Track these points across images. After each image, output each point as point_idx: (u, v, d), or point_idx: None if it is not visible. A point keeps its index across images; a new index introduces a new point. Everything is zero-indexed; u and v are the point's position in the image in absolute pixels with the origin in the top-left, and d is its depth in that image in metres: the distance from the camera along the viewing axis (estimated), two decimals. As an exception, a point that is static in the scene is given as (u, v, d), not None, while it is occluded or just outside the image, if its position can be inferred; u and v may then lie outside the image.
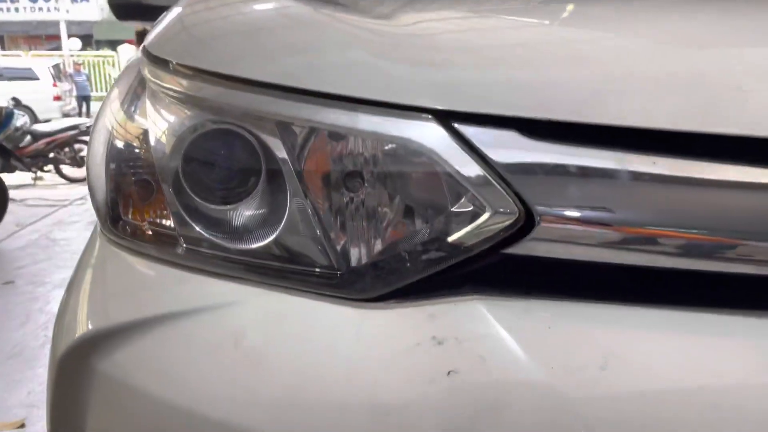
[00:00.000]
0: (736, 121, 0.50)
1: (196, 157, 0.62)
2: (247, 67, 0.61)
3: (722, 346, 0.48)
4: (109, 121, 0.71)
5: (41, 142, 6.14)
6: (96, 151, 0.70)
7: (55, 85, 13.59)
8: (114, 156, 0.68)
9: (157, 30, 0.74)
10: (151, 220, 0.65)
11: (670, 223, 0.50)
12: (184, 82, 0.64)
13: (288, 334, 0.53)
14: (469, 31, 0.64)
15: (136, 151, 0.67)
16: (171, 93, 0.65)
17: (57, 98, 13.45)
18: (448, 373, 0.48)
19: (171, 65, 0.66)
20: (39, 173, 6.46)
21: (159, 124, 0.65)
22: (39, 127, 6.47)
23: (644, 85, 0.52)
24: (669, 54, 0.56)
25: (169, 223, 0.63)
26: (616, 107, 0.51)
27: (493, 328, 0.49)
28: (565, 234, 0.50)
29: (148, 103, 0.67)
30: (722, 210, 0.50)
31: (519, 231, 0.51)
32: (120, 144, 0.68)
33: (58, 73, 14.44)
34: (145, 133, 0.66)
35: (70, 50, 19.37)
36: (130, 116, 0.70)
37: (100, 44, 23.85)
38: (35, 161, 6.19)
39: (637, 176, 0.50)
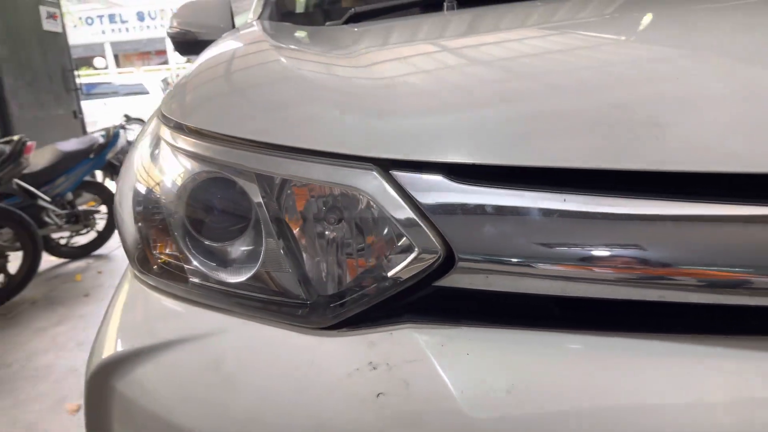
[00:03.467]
0: (647, 157, 0.53)
1: (196, 203, 0.73)
2: (228, 124, 0.71)
3: (629, 367, 0.52)
4: (137, 167, 0.83)
5: (151, 155, 6.64)
6: (125, 193, 0.82)
7: (164, 98, 14.57)
8: (139, 200, 0.80)
9: (169, 92, 0.86)
10: (164, 257, 0.76)
11: (577, 257, 0.54)
12: (186, 138, 0.75)
13: (258, 359, 0.62)
14: (408, 78, 0.71)
15: (156, 195, 0.79)
16: (177, 148, 0.76)
17: (166, 110, 14.39)
18: (377, 395, 0.55)
19: (175, 124, 0.77)
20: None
21: (169, 173, 0.76)
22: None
23: (561, 126, 0.56)
24: (587, 92, 0.59)
25: (175, 260, 0.74)
26: (533, 149, 0.56)
27: (421, 354, 0.56)
28: (481, 269, 0.56)
29: (162, 155, 0.79)
30: (630, 241, 0.53)
31: (445, 266, 0.57)
32: (143, 189, 0.80)
33: (167, 86, 15.50)
34: (162, 180, 0.77)
35: (177, 63, 20.71)
36: (153, 163, 0.81)
37: (203, 55, 25.27)
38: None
39: (547, 213, 0.54)
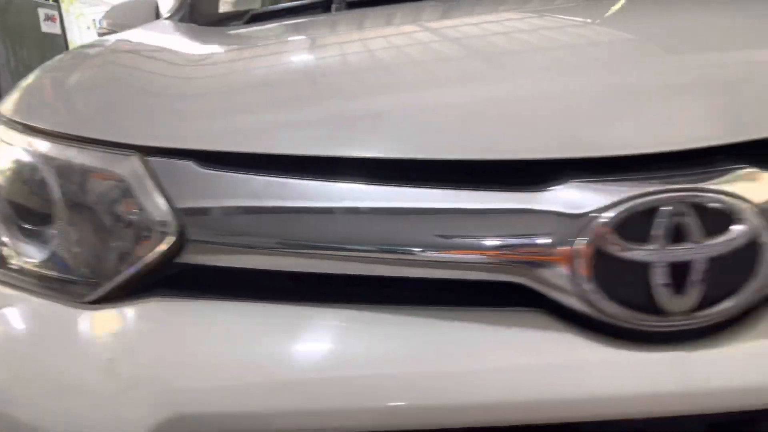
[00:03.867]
0: (362, 146, 0.58)
1: (15, 190, 0.79)
2: (35, 116, 0.77)
3: (321, 338, 0.57)
4: None
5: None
6: None
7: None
8: None
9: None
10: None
11: (280, 237, 0.59)
12: (7, 129, 0.81)
13: (36, 331, 0.69)
14: (206, 79, 0.76)
15: None
16: (4, 140, 0.82)
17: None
18: (108, 360, 0.60)
19: (2, 117, 0.83)
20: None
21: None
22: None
23: (280, 116, 0.62)
24: (314, 84, 0.64)
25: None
26: (264, 137, 0.61)
27: (150, 325, 0.62)
28: (208, 248, 0.62)
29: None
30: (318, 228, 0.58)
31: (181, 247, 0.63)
32: None
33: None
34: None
35: (187, 64, 21.04)
36: None
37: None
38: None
39: (272, 208, 0.60)
